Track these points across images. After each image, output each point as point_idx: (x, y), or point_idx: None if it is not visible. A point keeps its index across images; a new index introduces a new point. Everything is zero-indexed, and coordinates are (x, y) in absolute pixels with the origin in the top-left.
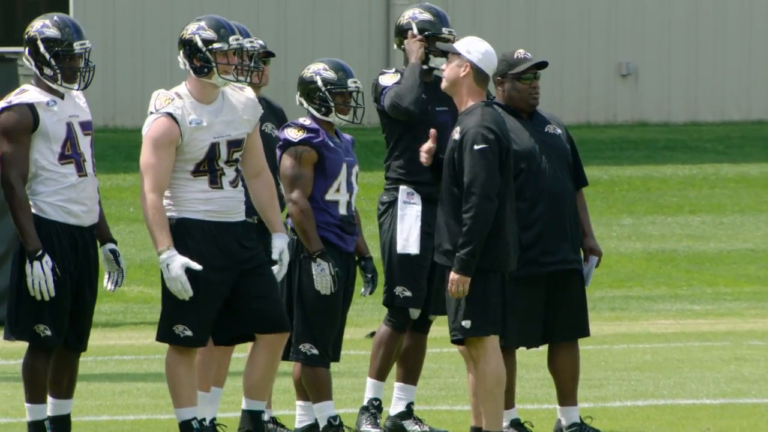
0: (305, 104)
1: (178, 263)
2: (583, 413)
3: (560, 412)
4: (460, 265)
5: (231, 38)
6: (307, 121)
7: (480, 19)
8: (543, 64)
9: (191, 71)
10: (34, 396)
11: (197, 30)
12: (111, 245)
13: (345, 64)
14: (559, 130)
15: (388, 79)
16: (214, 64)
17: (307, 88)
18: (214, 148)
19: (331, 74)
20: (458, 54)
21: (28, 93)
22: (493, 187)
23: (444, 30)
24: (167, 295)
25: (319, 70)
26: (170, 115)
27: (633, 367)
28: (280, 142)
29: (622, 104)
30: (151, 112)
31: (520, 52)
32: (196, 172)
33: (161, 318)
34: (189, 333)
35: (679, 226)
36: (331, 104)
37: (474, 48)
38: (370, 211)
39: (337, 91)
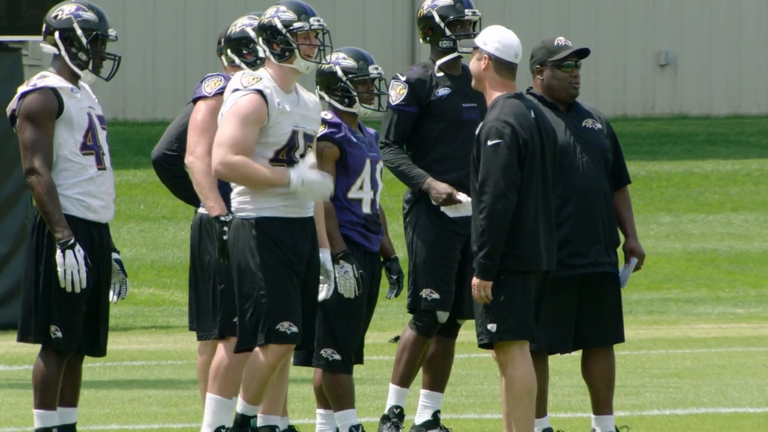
0: (326, 97)
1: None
2: (619, 422)
3: (595, 421)
4: (479, 269)
5: (312, 19)
6: (328, 116)
7: (510, 5)
8: (585, 52)
9: (272, 57)
10: (45, 401)
11: (276, 13)
12: (115, 255)
13: (364, 51)
14: (598, 125)
15: (396, 93)
16: (295, 46)
17: (327, 79)
18: (294, 135)
19: (350, 62)
20: (477, 47)
21: (50, 78)
22: (506, 185)
23: (467, 12)
24: (267, 293)
25: (337, 60)
26: (260, 92)
27: (672, 374)
28: None
29: (661, 96)
30: (236, 89)
31: (561, 39)
32: (275, 160)
33: (257, 316)
34: (295, 329)
35: (720, 224)
36: (354, 94)
37: (490, 38)
38: (393, 209)
39: (358, 79)
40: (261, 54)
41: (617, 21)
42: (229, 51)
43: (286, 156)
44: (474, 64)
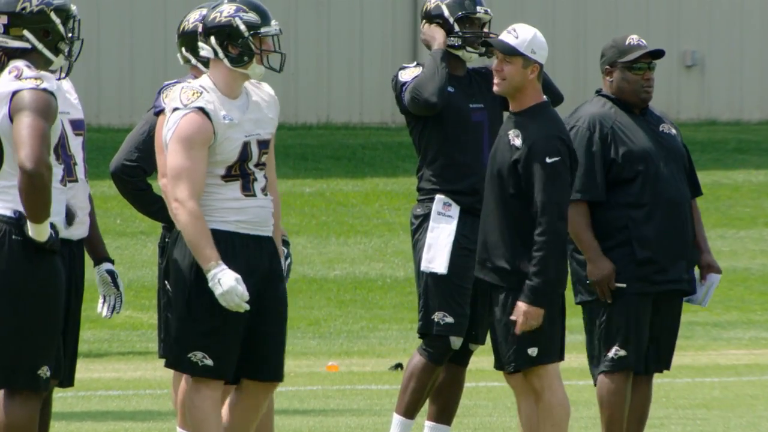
0: None
1: (230, 275)
2: None
3: None
4: (536, 296)
5: (273, 22)
6: None
7: (522, 1)
8: (659, 53)
9: (226, 61)
10: None
11: (236, 13)
12: (108, 265)
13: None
14: (674, 130)
15: (408, 74)
16: (258, 52)
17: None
18: (246, 148)
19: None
20: (521, 55)
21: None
22: (567, 206)
23: (479, 9)
24: (183, 315)
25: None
26: (202, 110)
27: (699, 405)
28: None
29: (687, 100)
30: (176, 108)
31: (633, 38)
32: (228, 176)
33: (173, 341)
34: (209, 362)
35: (752, 240)
36: None
37: (537, 46)
38: (394, 223)
39: None
40: (208, 54)
41: (638, 18)
42: (183, 49)
43: (239, 170)
44: (518, 73)
